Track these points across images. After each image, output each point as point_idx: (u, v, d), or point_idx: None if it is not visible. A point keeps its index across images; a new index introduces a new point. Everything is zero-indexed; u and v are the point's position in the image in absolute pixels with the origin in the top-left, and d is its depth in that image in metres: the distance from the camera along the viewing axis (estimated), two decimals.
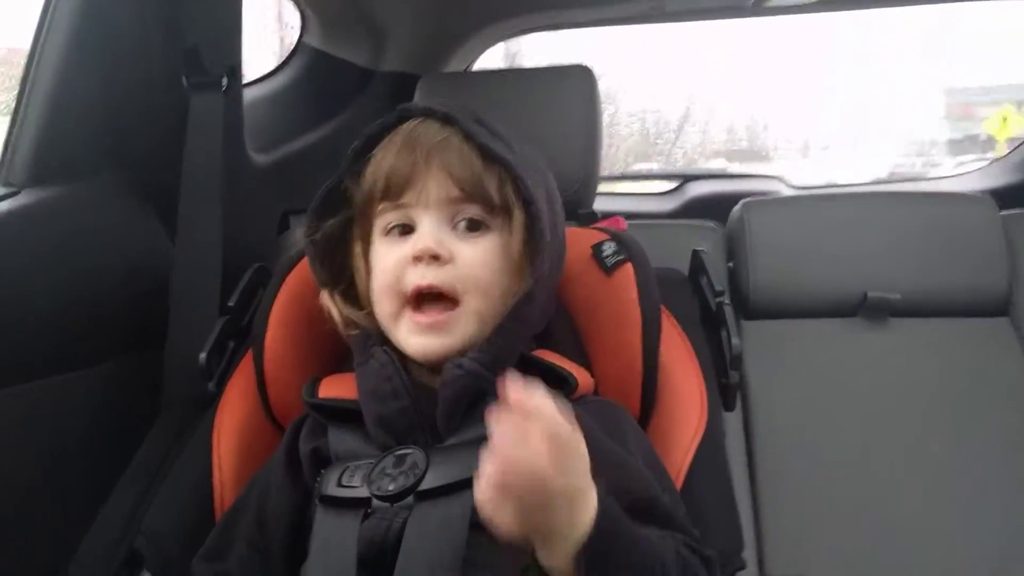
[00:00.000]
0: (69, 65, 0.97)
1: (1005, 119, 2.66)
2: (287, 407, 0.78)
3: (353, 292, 0.73)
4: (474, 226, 0.66)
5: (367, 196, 0.69)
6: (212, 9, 1.08)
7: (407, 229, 0.67)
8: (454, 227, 0.66)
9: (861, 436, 1.22)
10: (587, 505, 0.51)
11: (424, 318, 0.65)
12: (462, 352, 0.65)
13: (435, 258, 0.64)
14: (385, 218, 0.68)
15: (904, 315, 1.29)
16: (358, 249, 0.72)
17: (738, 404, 1.14)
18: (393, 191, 0.66)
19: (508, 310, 0.66)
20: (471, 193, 0.65)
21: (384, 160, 0.67)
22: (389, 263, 0.67)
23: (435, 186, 0.65)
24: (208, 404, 0.83)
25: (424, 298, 0.65)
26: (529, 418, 0.47)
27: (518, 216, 0.67)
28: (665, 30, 2.18)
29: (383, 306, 0.68)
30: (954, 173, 2.36)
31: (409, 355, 0.67)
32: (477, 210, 0.66)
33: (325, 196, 0.71)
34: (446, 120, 0.67)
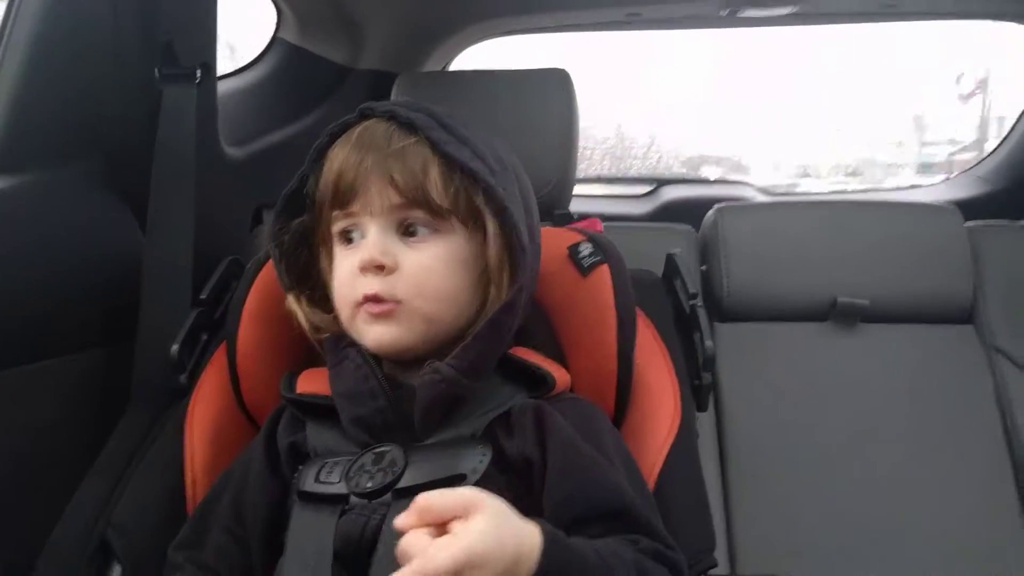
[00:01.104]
0: (38, 51, 0.95)
1: None
2: (260, 400, 0.77)
3: (321, 294, 0.73)
4: (420, 232, 0.66)
5: (321, 202, 0.68)
6: (186, 3, 1.07)
7: (360, 235, 0.67)
8: (404, 232, 0.66)
9: (831, 437, 1.24)
10: (527, 552, 0.50)
11: (375, 307, 0.65)
12: (414, 345, 0.66)
13: (380, 268, 0.64)
14: (339, 224, 0.68)
15: (873, 320, 1.32)
16: (322, 252, 0.72)
17: (711, 405, 1.16)
18: (341, 198, 0.66)
19: (488, 317, 0.65)
20: (413, 199, 0.65)
21: (333, 164, 0.67)
22: (342, 273, 0.67)
23: (377, 194, 0.65)
24: (179, 396, 0.82)
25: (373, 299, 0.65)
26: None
27: (492, 225, 0.66)
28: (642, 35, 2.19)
29: (341, 312, 0.68)
30: (921, 184, 2.42)
31: (366, 347, 0.67)
32: (422, 215, 0.66)
33: (289, 197, 0.71)
34: (409, 126, 0.66)
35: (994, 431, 1.25)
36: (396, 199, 0.65)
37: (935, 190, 2.17)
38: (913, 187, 2.42)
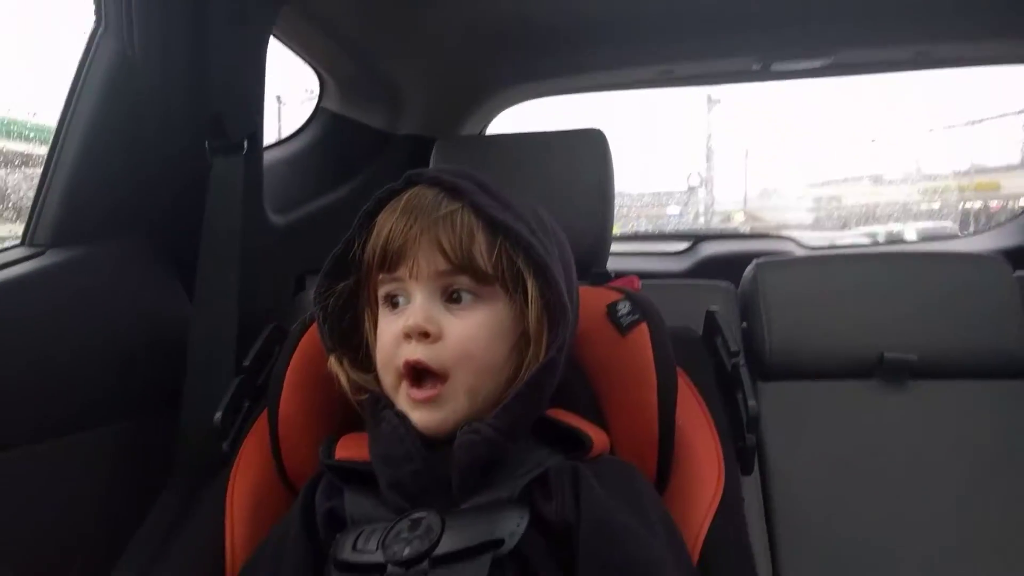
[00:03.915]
0: (97, 130, 1.00)
1: None
2: (300, 467, 0.77)
3: (363, 355, 0.74)
4: (464, 299, 0.67)
5: (368, 265, 0.70)
6: (236, 78, 1.12)
7: (405, 300, 0.68)
8: (449, 299, 0.67)
9: (882, 499, 1.19)
10: None
11: (418, 393, 0.66)
12: (458, 423, 0.66)
13: (424, 335, 0.65)
14: (384, 288, 0.69)
15: (922, 376, 1.28)
16: (366, 314, 0.73)
17: (755, 468, 1.13)
18: (389, 263, 0.67)
19: (527, 377, 0.65)
20: (460, 265, 0.66)
21: (383, 229, 0.68)
22: (386, 338, 0.68)
23: (424, 259, 0.66)
24: (222, 464, 0.83)
25: (416, 371, 0.66)
26: None
27: (533, 285, 0.67)
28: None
29: (384, 379, 0.69)
30: (965, 235, 2.37)
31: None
32: (467, 282, 0.66)
33: (336, 259, 0.72)
34: (453, 191, 0.68)
35: None
36: (443, 265, 0.66)
37: (980, 240, 2.13)
38: (957, 237, 2.37)
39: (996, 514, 1.17)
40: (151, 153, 1.07)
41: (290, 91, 1.73)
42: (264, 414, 0.81)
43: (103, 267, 1.00)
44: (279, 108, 1.76)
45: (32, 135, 1.32)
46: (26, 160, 1.30)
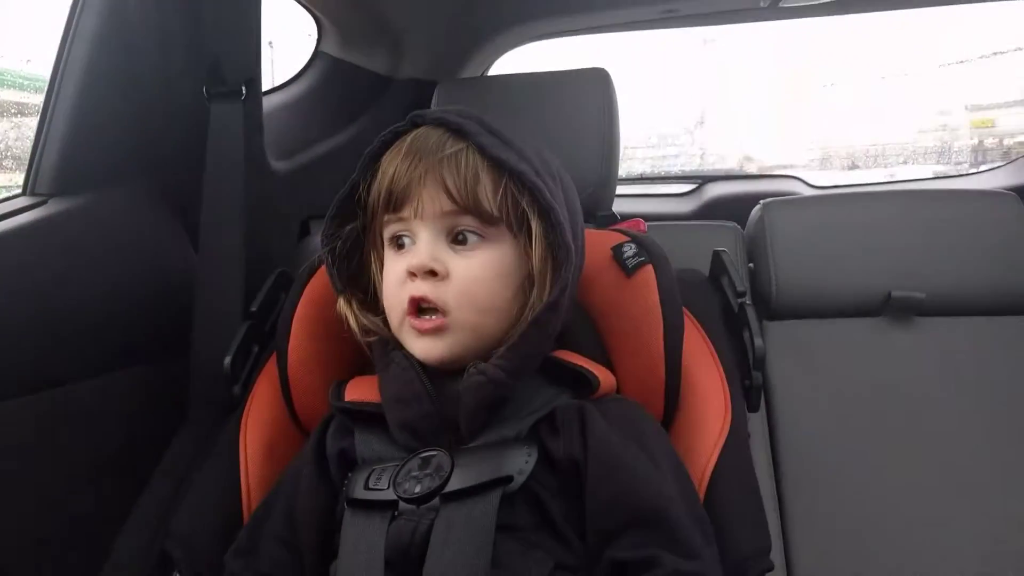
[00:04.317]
0: (92, 76, 0.98)
1: None
2: (311, 409, 0.79)
3: (371, 297, 0.74)
4: (470, 240, 0.67)
5: (373, 206, 0.70)
6: (231, 21, 1.09)
7: (411, 241, 0.68)
8: (454, 240, 0.67)
9: (888, 437, 1.20)
10: None
11: (421, 323, 0.66)
12: (462, 359, 0.66)
13: (431, 273, 0.65)
14: (390, 229, 0.69)
15: (930, 314, 1.28)
16: (373, 256, 0.74)
17: (762, 406, 1.13)
18: (394, 203, 0.67)
19: (532, 318, 0.66)
20: (465, 206, 0.65)
21: (387, 170, 0.68)
22: (392, 277, 0.68)
23: (429, 199, 0.66)
24: (233, 408, 0.84)
25: (420, 307, 0.66)
26: None
27: (537, 226, 0.67)
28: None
29: (391, 317, 0.70)
30: (976, 171, 2.34)
31: (413, 355, 0.68)
32: (472, 222, 0.66)
33: (341, 202, 0.72)
34: (458, 131, 0.67)
35: None
36: (448, 205, 0.65)
37: (990, 177, 2.10)
38: (968, 174, 2.34)
39: (1004, 451, 1.18)
40: (149, 100, 1.06)
41: (284, 35, 1.69)
42: (274, 358, 0.81)
43: (106, 216, 1.00)
44: (271, 53, 1.72)
45: (26, 84, 1.30)
46: (22, 109, 1.29)
